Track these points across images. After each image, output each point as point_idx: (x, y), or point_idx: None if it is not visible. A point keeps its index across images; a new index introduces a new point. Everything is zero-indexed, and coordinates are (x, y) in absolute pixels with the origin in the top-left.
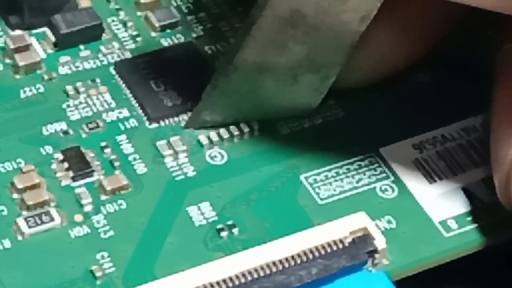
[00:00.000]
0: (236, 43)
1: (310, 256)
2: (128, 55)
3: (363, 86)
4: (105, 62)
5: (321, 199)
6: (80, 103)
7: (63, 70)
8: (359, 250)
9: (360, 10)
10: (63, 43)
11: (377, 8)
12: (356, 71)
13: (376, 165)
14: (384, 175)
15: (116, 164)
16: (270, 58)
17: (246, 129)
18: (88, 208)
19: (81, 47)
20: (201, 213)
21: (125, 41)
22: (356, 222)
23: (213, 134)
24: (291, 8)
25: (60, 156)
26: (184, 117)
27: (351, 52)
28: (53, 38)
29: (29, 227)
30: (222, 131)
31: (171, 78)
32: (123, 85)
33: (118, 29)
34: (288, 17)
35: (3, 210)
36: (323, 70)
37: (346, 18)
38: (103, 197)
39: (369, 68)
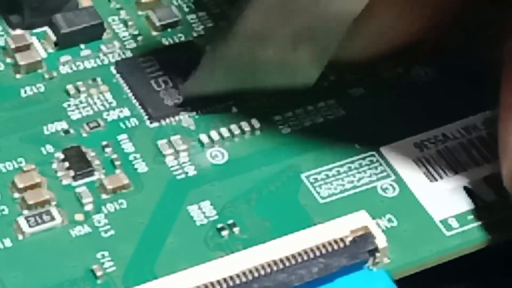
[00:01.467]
0: (235, 14)
1: (311, 255)
2: (129, 54)
3: (362, 61)
4: (105, 62)
5: (322, 198)
6: (81, 102)
7: (64, 70)
8: (360, 249)
9: None
10: (64, 43)
11: None
12: (355, 45)
13: (377, 164)
14: (385, 173)
15: (117, 163)
16: (271, 28)
17: (247, 128)
18: (88, 208)
19: (82, 46)
20: (202, 212)
21: (126, 40)
22: (357, 221)
23: (214, 133)
24: None
25: (60, 156)
26: (185, 116)
27: (351, 25)
28: (53, 38)
29: (30, 226)
30: (223, 130)
31: (172, 77)
32: (124, 85)
33: (119, 28)
34: None
35: (3, 210)
36: (322, 41)
37: None
38: (104, 196)
39: (369, 42)
